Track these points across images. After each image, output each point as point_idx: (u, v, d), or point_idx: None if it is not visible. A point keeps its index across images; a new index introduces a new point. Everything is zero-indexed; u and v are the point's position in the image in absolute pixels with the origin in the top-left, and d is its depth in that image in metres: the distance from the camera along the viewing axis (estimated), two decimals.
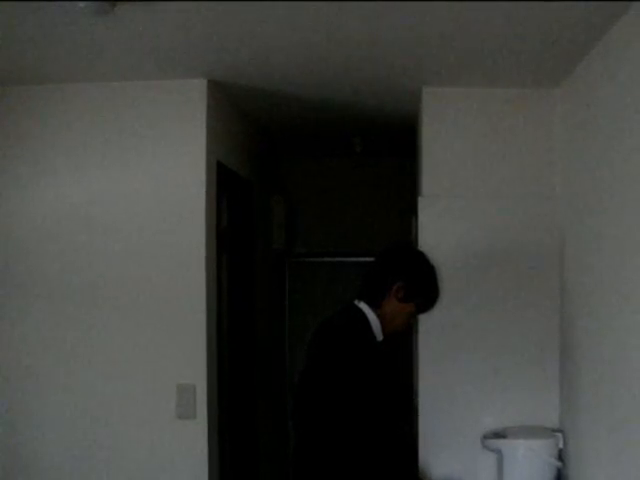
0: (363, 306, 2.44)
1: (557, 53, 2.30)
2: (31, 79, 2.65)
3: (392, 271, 2.48)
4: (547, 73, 2.56)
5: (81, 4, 1.80)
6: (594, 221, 2.27)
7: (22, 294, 2.72)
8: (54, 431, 2.69)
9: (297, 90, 2.91)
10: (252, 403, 3.70)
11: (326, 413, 2.26)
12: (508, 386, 2.71)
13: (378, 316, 2.44)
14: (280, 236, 4.42)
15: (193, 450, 2.65)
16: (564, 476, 2.55)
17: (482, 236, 2.74)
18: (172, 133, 2.69)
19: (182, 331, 2.66)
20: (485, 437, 2.64)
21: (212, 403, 2.73)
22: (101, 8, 1.83)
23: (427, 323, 2.75)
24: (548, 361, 2.69)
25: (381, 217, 4.57)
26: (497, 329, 2.72)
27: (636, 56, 1.86)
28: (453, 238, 2.75)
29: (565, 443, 2.56)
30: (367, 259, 2.66)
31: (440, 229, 2.76)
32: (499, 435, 2.62)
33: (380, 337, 2.44)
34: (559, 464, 2.53)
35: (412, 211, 3.15)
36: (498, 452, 2.59)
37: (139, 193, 2.69)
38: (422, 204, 2.79)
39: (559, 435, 2.57)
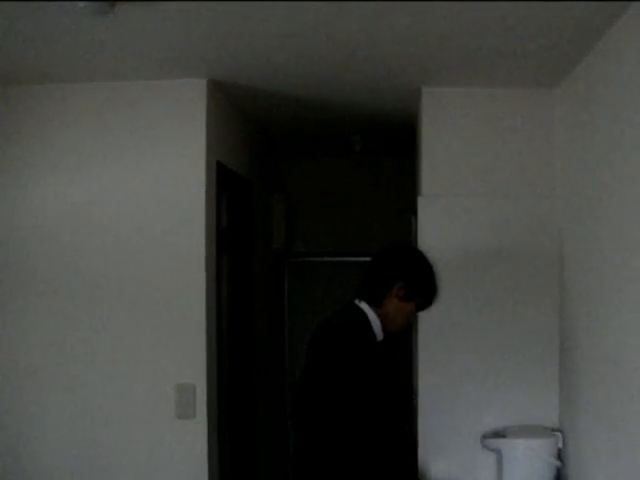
0: (364, 306, 2.45)
1: (557, 53, 2.30)
2: (31, 79, 2.65)
3: (392, 271, 2.49)
4: (547, 73, 2.56)
5: (81, 4, 1.80)
6: (594, 221, 2.27)
7: (22, 294, 2.72)
8: (54, 431, 2.69)
9: (297, 90, 2.91)
10: (252, 403, 3.70)
11: (326, 412, 2.26)
12: (508, 386, 2.71)
13: (379, 315, 2.45)
14: (280, 236, 4.43)
15: (193, 450, 2.65)
16: (563, 475, 2.55)
17: (482, 236, 2.74)
18: (172, 133, 2.69)
19: (182, 331, 2.66)
20: (485, 436, 2.64)
21: (212, 403, 2.73)
22: (101, 8, 1.83)
23: (427, 323, 2.75)
24: (548, 361, 2.69)
25: (380, 217, 4.57)
26: (497, 329, 2.72)
27: (635, 56, 1.86)
28: (453, 238, 2.75)
29: (565, 443, 2.57)
30: (367, 259, 2.66)
31: (440, 229, 2.76)
32: (499, 434, 2.62)
33: (380, 336, 2.45)
34: (558, 463, 2.53)
35: (411, 211, 3.15)
36: (498, 451, 2.60)
37: (139, 193, 2.69)
38: (422, 204, 2.80)
39: (559, 435, 2.58)
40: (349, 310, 2.47)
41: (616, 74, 2.03)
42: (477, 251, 2.74)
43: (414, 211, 2.94)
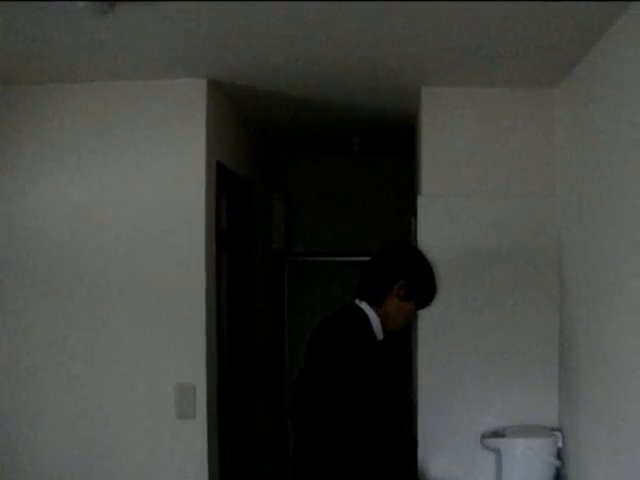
0: (364, 306, 2.45)
1: (556, 53, 2.31)
2: (31, 79, 2.65)
3: (393, 270, 2.49)
4: (546, 73, 2.56)
5: (81, 4, 1.80)
6: (593, 220, 2.27)
7: (22, 294, 2.72)
8: (54, 431, 2.69)
9: (297, 90, 2.92)
10: (252, 402, 3.70)
11: (326, 412, 2.26)
12: (507, 385, 2.71)
13: (379, 315, 2.45)
14: (279, 236, 4.43)
15: (193, 449, 2.65)
16: (563, 475, 2.56)
17: (481, 235, 2.74)
18: (172, 133, 2.69)
19: (182, 331, 2.66)
20: (484, 436, 2.64)
21: (212, 402, 2.73)
22: (101, 8, 1.83)
23: (426, 323, 2.76)
24: (547, 360, 2.69)
25: (380, 217, 4.58)
26: (496, 329, 2.72)
27: (635, 56, 1.86)
28: (452, 238, 2.75)
29: (564, 442, 2.57)
30: (366, 259, 2.66)
31: (439, 229, 2.77)
32: (498, 434, 2.63)
33: (380, 336, 2.45)
34: (558, 463, 2.54)
35: (411, 211, 3.15)
36: (497, 451, 2.60)
37: (139, 193, 2.69)
38: (421, 203, 2.80)
39: (558, 434, 2.58)
40: (349, 310, 2.47)
41: (616, 74, 2.03)
42: (477, 251, 2.74)
43: (414, 211, 2.94)
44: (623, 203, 1.97)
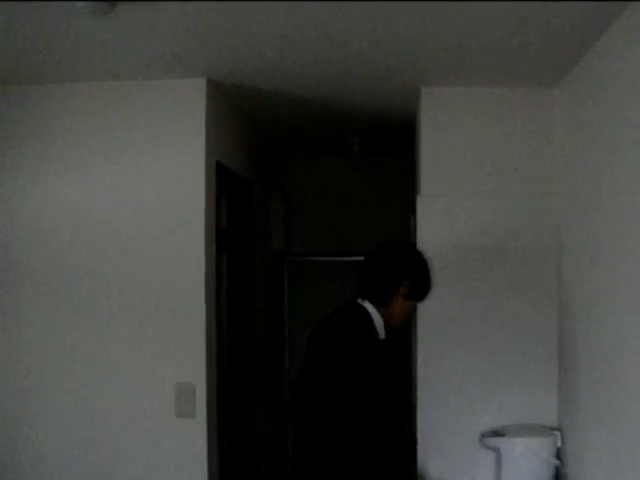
0: (367, 305, 2.44)
1: (556, 53, 2.31)
2: (31, 79, 2.65)
3: (398, 272, 2.49)
4: (546, 73, 2.56)
5: (81, 4, 1.80)
6: (592, 220, 2.27)
7: (22, 294, 2.72)
8: (54, 431, 2.70)
9: (296, 90, 2.92)
10: (251, 402, 3.71)
11: (327, 410, 2.26)
12: (506, 384, 2.72)
13: (382, 315, 2.45)
14: (279, 236, 4.43)
15: (192, 449, 2.65)
16: (562, 474, 2.56)
17: (481, 235, 2.74)
18: (171, 133, 2.69)
19: (182, 330, 2.66)
20: (483, 435, 2.65)
21: (211, 402, 2.73)
22: (101, 8, 1.83)
23: (426, 323, 2.76)
24: (546, 359, 2.70)
25: (379, 216, 4.58)
26: (496, 328, 2.73)
27: (634, 55, 1.87)
28: (452, 237, 2.76)
29: (563, 441, 2.57)
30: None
31: (439, 228, 2.77)
32: (497, 433, 2.63)
33: (383, 335, 2.45)
34: (557, 462, 2.54)
35: (410, 210, 3.16)
36: (496, 450, 2.60)
37: (139, 193, 2.69)
38: (421, 203, 2.80)
39: (557, 433, 2.58)
40: (352, 309, 2.46)
41: (615, 74, 2.03)
42: (476, 251, 2.74)
43: (413, 211, 2.94)
44: (622, 203, 1.97)
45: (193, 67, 2.56)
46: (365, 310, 2.44)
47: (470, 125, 2.79)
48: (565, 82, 2.60)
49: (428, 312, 2.75)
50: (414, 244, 2.80)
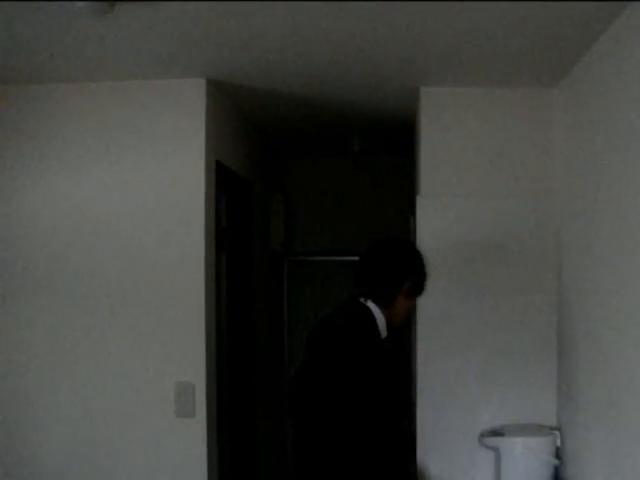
0: (370, 304, 2.44)
1: (555, 53, 2.31)
2: (31, 79, 2.65)
3: (400, 273, 2.48)
4: (546, 73, 2.56)
5: (80, 4, 1.80)
6: (592, 220, 2.28)
7: (22, 294, 2.72)
8: (54, 431, 2.70)
9: (296, 89, 2.92)
10: (251, 401, 3.71)
11: (328, 409, 2.26)
12: (506, 384, 2.72)
13: (385, 315, 2.45)
14: (279, 235, 4.43)
15: (192, 448, 2.65)
16: (561, 474, 2.56)
17: (480, 235, 2.75)
18: (171, 133, 2.69)
19: (181, 330, 2.66)
20: (483, 435, 2.65)
21: (211, 401, 2.74)
22: (101, 8, 1.83)
23: (426, 322, 2.76)
24: (546, 359, 2.70)
25: (379, 216, 4.58)
26: (496, 328, 2.73)
27: (634, 55, 1.87)
28: (451, 237, 2.76)
29: (562, 441, 2.57)
30: None
31: (438, 228, 2.77)
32: (497, 433, 2.63)
33: (385, 334, 2.45)
34: (556, 462, 2.54)
35: (410, 210, 3.16)
36: (496, 450, 2.61)
37: (138, 193, 2.69)
38: (420, 203, 2.80)
39: (557, 433, 2.59)
40: (355, 308, 2.45)
41: (615, 73, 2.03)
42: (476, 251, 2.74)
43: (413, 211, 2.94)
44: (622, 203, 1.97)
45: (193, 67, 2.56)
46: (368, 309, 2.43)
47: (470, 125, 2.79)
48: (565, 82, 2.60)
49: (428, 311, 2.75)
50: (410, 241, 2.80)
